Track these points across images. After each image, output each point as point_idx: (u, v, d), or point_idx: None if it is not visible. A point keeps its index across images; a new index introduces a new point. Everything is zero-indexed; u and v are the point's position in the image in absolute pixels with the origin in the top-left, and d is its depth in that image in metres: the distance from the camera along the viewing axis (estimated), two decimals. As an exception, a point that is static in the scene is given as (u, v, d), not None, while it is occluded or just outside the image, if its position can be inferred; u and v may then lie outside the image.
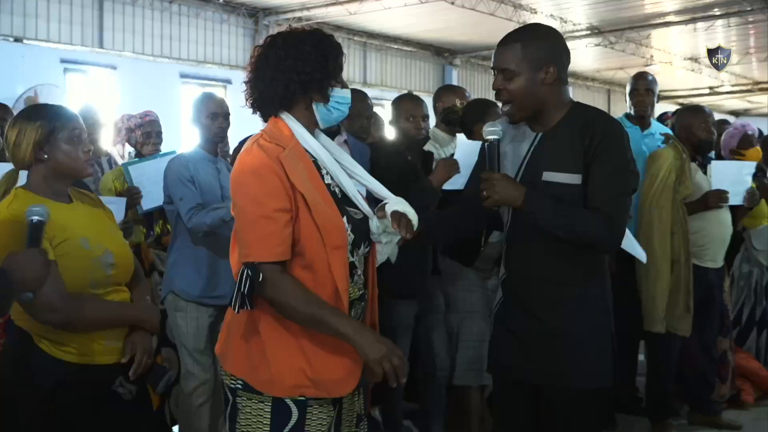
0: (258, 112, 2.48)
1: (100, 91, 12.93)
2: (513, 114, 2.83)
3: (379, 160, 4.10)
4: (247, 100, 2.47)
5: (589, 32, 16.75)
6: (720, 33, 17.10)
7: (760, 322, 5.96)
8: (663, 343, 4.85)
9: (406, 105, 4.51)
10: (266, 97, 2.41)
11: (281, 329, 2.34)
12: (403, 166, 4.12)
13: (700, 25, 16.19)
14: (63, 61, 12.88)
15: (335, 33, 17.69)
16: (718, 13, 15.54)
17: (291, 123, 2.41)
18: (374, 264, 2.55)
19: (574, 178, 2.73)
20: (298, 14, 15.36)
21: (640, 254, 4.10)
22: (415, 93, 4.67)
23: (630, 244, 4.08)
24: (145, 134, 5.11)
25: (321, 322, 2.28)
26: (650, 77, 5.42)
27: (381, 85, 17.68)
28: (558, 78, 2.79)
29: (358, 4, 14.37)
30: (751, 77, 22.20)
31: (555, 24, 15.91)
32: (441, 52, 18.96)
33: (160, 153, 4.94)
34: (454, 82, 18.38)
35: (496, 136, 2.75)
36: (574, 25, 16.21)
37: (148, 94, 11.94)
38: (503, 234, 2.99)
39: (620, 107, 21.06)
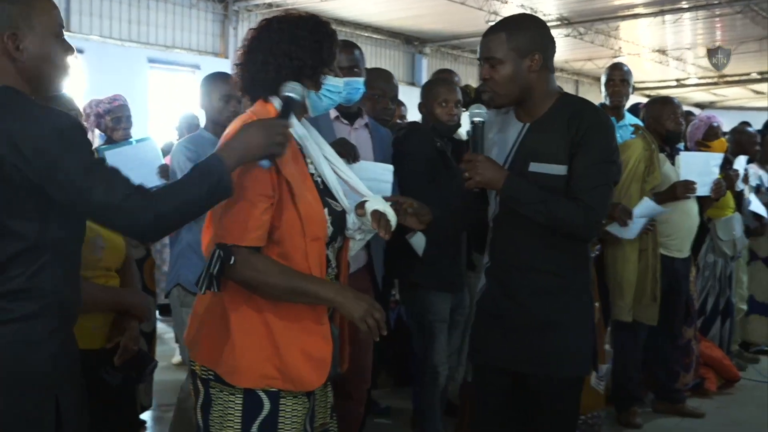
0: (246, 95, 2.44)
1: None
2: (495, 99, 2.87)
3: (406, 147, 4.01)
4: (236, 82, 2.44)
5: (558, 23, 16.82)
6: (687, 26, 17.26)
7: (724, 311, 6.05)
8: (629, 331, 4.90)
9: (439, 89, 4.21)
10: (257, 81, 2.37)
11: (251, 320, 2.30)
12: (432, 154, 4.02)
13: (668, 17, 16.33)
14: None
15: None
16: (685, 6, 15.68)
17: (279, 107, 2.36)
18: (346, 259, 2.54)
19: (559, 169, 2.77)
20: (267, 0, 15.26)
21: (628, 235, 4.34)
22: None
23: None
24: (114, 119, 5.03)
25: (301, 292, 2.26)
26: (625, 68, 5.47)
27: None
28: (544, 66, 2.82)
29: (328, -9, 14.32)
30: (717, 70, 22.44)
31: (525, 14, 15.95)
32: (411, 41, 18.94)
33: (136, 139, 4.84)
34: (424, 71, 18.39)
35: (480, 119, 2.80)
36: (544, 15, 16.23)
37: (116, 79, 11.79)
38: (491, 222, 2.99)
39: (588, 98, 21.13)
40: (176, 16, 14.51)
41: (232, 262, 2.20)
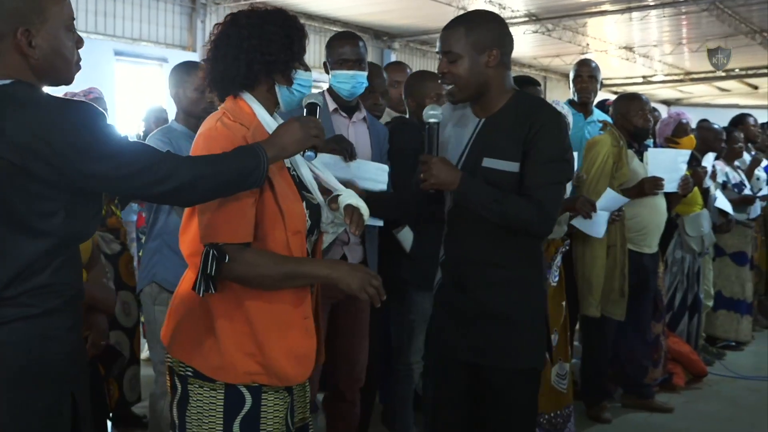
0: (215, 92, 2.42)
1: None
2: (454, 94, 2.89)
3: (395, 142, 3.97)
4: (203, 78, 2.42)
5: (527, 19, 16.86)
6: (654, 23, 17.38)
7: (692, 307, 6.10)
8: (597, 326, 4.92)
9: (430, 84, 4.17)
10: (227, 77, 2.35)
11: (234, 316, 2.29)
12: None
13: (635, 14, 16.41)
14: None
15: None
16: (652, 4, 15.77)
17: (252, 103, 2.37)
18: (321, 252, 2.56)
19: (512, 166, 2.81)
20: (236, -7, 15.15)
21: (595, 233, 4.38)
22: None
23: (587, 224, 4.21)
24: None
25: (296, 275, 2.29)
26: (593, 64, 5.49)
27: (319, 67, 17.56)
28: (501, 62, 2.87)
29: (297, -15, 14.23)
30: (683, 67, 22.62)
31: (494, 10, 15.96)
32: (380, 36, 18.89)
33: None
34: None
35: (435, 120, 2.84)
36: (512, 11, 16.28)
37: (82, 72, 11.49)
38: (446, 217, 3.02)
39: (556, 94, 21.33)
40: (143, 8, 14.33)
41: (227, 260, 2.19)
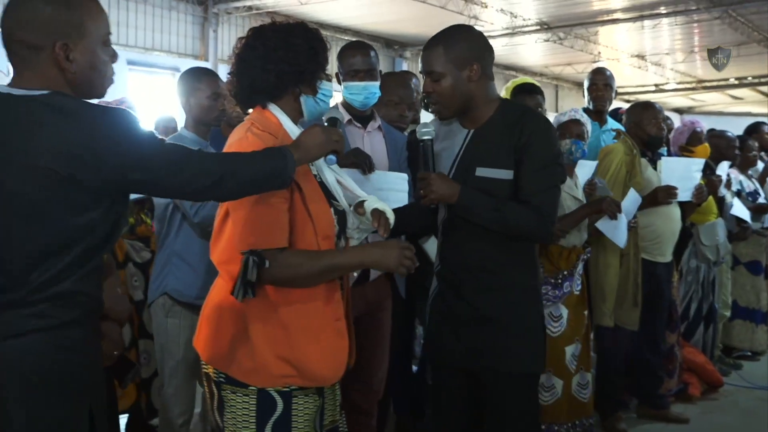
0: (241, 102, 2.48)
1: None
2: (440, 111, 2.97)
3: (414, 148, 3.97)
4: (230, 90, 2.48)
5: (538, 27, 16.86)
6: (666, 31, 17.35)
7: (707, 316, 6.05)
8: (611, 336, 4.88)
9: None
10: (256, 87, 2.42)
11: (266, 319, 2.35)
12: None
13: (646, 23, 16.40)
14: None
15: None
16: (664, 12, 15.74)
17: (278, 114, 2.44)
18: None
19: (506, 174, 2.87)
20: (248, 3, 15.19)
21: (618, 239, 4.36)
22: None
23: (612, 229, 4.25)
24: None
25: (333, 268, 2.36)
26: (608, 72, 5.47)
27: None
28: (483, 74, 2.92)
29: (309, -6, 14.27)
30: (695, 75, 22.58)
31: (505, 18, 15.99)
32: (391, 45, 18.92)
33: None
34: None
35: (429, 137, 2.90)
36: (523, 20, 16.29)
37: (94, 82, 11.68)
38: (440, 227, 3.07)
39: (568, 103, 21.31)
40: (156, 18, 14.40)
41: (267, 265, 2.24)
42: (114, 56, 2.16)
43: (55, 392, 2.00)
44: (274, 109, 2.44)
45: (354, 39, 17.60)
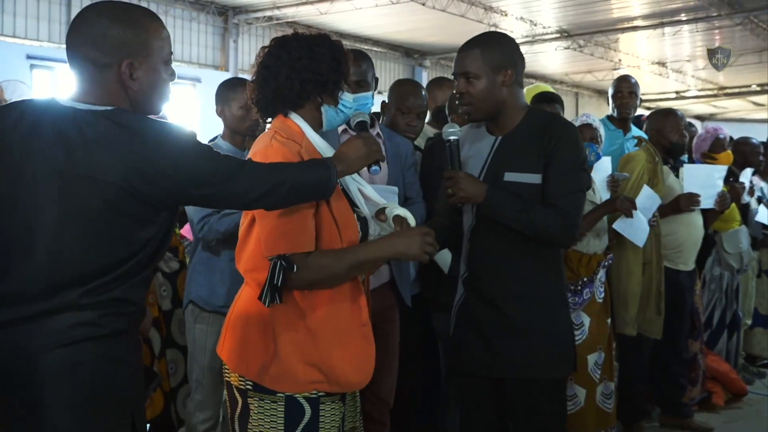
0: (263, 110, 2.51)
1: (67, 88, 12.70)
2: (471, 113, 2.99)
3: (432, 160, 3.93)
4: (251, 98, 2.50)
5: (558, 35, 16.85)
6: (686, 38, 17.29)
7: (731, 324, 6.01)
8: (634, 345, 4.85)
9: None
10: (279, 96, 2.44)
11: (293, 326, 2.36)
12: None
13: (667, 30, 16.35)
14: (29, 57, 12.69)
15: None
16: (684, 19, 15.69)
17: (299, 122, 2.46)
18: None
19: (534, 178, 2.91)
20: (268, 13, 15.27)
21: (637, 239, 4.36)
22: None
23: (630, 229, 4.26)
24: None
25: (359, 264, 2.38)
26: (633, 80, 5.45)
27: (351, 85, 17.59)
28: (515, 82, 2.98)
29: (328, 4, 14.31)
30: (717, 82, 22.47)
31: (525, 26, 15.98)
32: (411, 53, 18.96)
33: None
34: (424, 84, 18.35)
35: (455, 137, 2.95)
36: (543, 28, 16.28)
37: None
38: (466, 234, 3.09)
39: (589, 110, 21.22)
40: (176, 29, 14.50)
41: (295, 270, 2.26)
42: (173, 75, 2.21)
43: (101, 401, 2.02)
44: (296, 118, 2.46)
45: (374, 48, 17.71)
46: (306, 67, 2.40)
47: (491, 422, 3.07)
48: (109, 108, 2.05)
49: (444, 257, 3.78)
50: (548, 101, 4.52)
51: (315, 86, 2.43)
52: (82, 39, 2.07)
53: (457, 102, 3.06)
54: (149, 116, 2.13)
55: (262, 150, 2.38)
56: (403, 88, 4.12)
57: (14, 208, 2.02)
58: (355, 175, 2.53)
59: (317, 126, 2.51)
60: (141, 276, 2.10)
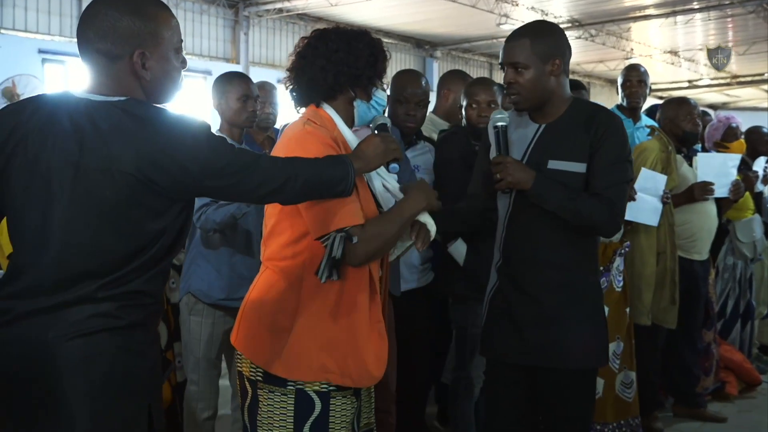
0: (296, 99, 2.53)
1: (79, 82, 12.75)
2: (520, 102, 2.99)
3: (443, 152, 3.94)
4: (287, 85, 2.53)
5: (569, 25, 16.78)
6: (699, 27, 17.20)
7: (744, 314, 5.98)
8: (648, 335, 4.84)
9: (471, 90, 4.04)
10: (313, 85, 2.46)
11: (309, 314, 2.36)
12: (471, 158, 3.77)
13: (679, 18, 16.28)
14: (41, 51, 12.75)
15: (316, 24, 17.58)
16: (697, 7, 15.63)
17: (331, 113, 2.48)
18: (388, 264, 2.64)
19: (579, 167, 2.93)
20: (278, 5, 15.28)
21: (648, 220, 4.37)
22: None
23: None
24: None
25: (403, 225, 2.41)
26: (642, 69, 5.41)
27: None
28: (563, 71, 2.99)
29: (339, -5, 14.32)
30: (730, 71, 22.33)
31: (536, 16, 15.92)
32: (422, 45, 18.94)
33: None
34: (435, 75, 18.36)
35: (504, 123, 2.96)
36: (554, 17, 16.22)
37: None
38: (502, 223, 3.07)
39: (600, 100, 21.11)
40: (187, 22, 14.52)
41: (355, 240, 2.28)
42: (184, 63, 2.22)
43: (118, 392, 2.03)
44: (328, 109, 2.48)
45: (385, 40, 17.68)
46: (342, 59, 2.42)
47: (520, 410, 3.07)
48: (122, 99, 2.06)
49: (459, 249, 3.78)
50: (574, 88, 4.48)
51: (349, 79, 2.44)
52: (93, 32, 2.08)
53: (504, 91, 3.06)
54: (163, 106, 2.14)
55: (296, 134, 2.41)
56: (401, 78, 4.10)
57: (30, 200, 2.04)
58: (381, 170, 2.51)
59: (349, 120, 2.52)
60: (158, 268, 2.11)
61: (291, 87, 2.52)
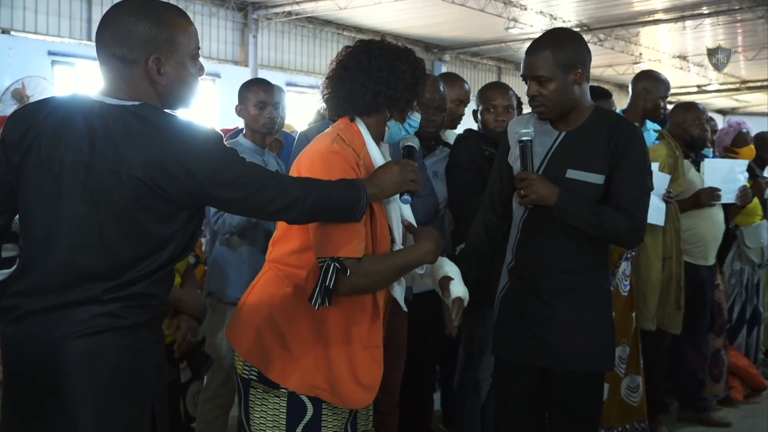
0: (331, 109, 2.50)
1: (88, 84, 12.85)
2: (545, 113, 2.99)
3: (454, 156, 3.92)
4: (324, 93, 2.50)
5: (578, 29, 16.75)
6: (708, 31, 17.18)
7: (751, 319, 5.98)
8: (653, 339, 4.84)
9: (487, 94, 4.03)
10: (350, 100, 2.43)
11: (308, 329, 2.36)
12: (481, 162, 3.85)
13: (688, 23, 16.27)
14: (51, 53, 12.81)
15: (324, 28, 17.59)
16: (706, 12, 15.60)
17: (363, 130, 2.45)
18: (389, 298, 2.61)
19: (597, 178, 2.93)
20: (287, 8, 15.31)
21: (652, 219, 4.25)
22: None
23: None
24: None
25: (402, 272, 2.41)
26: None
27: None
28: (585, 79, 2.98)
29: (348, -1, 14.34)
30: (739, 76, 22.32)
31: (545, 21, 15.93)
32: (430, 48, 18.95)
33: None
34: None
35: (528, 138, 2.94)
36: (563, 22, 16.22)
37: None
38: (516, 225, 3.10)
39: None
40: (196, 24, 14.37)
41: (348, 273, 2.27)
42: (201, 70, 2.23)
43: (122, 391, 2.05)
44: (361, 126, 2.45)
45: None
46: (383, 79, 2.39)
47: (529, 411, 3.11)
48: (135, 103, 2.08)
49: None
50: (601, 96, 4.47)
51: (387, 100, 2.42)
52: (110, 36, 2.10)
53: (529, 103, 3.04)
54: (176, 113, 2.15)
55: (322, 151, 2.37)
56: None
57: (41, 198, 2.07)
58: (397, 200, 2.50)
59: (379, 137, 2.50)
60: (164, 272, 2.12)
61: (327, 96, 2.48)
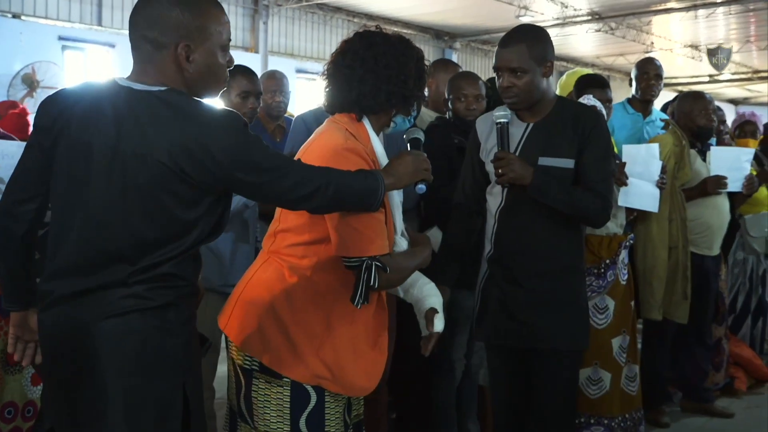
0: (336, 105, 2.49)
1: (98, 69, 12.90)
2: (517, 104, 3.15)
3: (427, 143, 3.98)
4: (325, 89, 2.50)
5: (589, 18, 16.71)
6: (721, 21, 17.07)
7: (755, 310, 5.96)
8: (657, 329, 4.85)
9: (458, 83, 4.09)
10: (361, 103, 2.43)
11: (313, 319, 2.37)
12: (451, 150, 3.93)
13: (701, 12, 16.16)
14: (61, 38, 12.82)
15: (335, 14, 17.53)
16: (719, 1, 15.50)
17: (369, 129, 2.47)
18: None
19: (567, 163, 3.12)
20: (298, -5, 15.29)
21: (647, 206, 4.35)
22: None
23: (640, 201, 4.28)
24: None
25: (414, 269, 2.52)
26: (658, 62, 5.40)
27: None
28: (551, 72, 3.17)
29: (358, -14, 14.31)
30: (751, 65, 22.18)
31: (556, 9, 15.88)
32: (441, 36, 18.89)
33: None
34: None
35: (505, 119, 3.12)
36: (575, 10, 16.15)
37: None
38: (493, 216, 3.25)
39: (620, 94, 20.98)
40: (207, 10, 14.54)
41: (388, 271, 2.32)
42: (231, 61, 2.26)
43: (151, 370, 2.09)
44: (367, 124, 2.47)
45: (404, 31, 17.66)
46: (393, 79, 2.40)
47: (518, 391, 3.28)
48: (162, 88, 2.11)
49: (435, 236, 3.79)
50: (600, 86, 4.46)
51: (398, 100, 2.44)
52: (142, 19, 2.13)
53: (502, 94, 3.15)
54: (201, 99, 2.17)
55: (336, 146, 2.36)
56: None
57: (70, 183, 2.12)
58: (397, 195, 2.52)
59: (379, 131, 2.52)
60: (188, 254, 2.16)
61: (332, 94, 2.49)
